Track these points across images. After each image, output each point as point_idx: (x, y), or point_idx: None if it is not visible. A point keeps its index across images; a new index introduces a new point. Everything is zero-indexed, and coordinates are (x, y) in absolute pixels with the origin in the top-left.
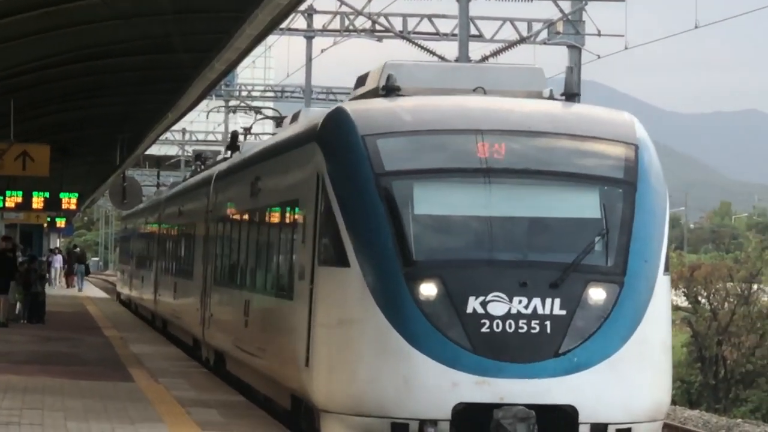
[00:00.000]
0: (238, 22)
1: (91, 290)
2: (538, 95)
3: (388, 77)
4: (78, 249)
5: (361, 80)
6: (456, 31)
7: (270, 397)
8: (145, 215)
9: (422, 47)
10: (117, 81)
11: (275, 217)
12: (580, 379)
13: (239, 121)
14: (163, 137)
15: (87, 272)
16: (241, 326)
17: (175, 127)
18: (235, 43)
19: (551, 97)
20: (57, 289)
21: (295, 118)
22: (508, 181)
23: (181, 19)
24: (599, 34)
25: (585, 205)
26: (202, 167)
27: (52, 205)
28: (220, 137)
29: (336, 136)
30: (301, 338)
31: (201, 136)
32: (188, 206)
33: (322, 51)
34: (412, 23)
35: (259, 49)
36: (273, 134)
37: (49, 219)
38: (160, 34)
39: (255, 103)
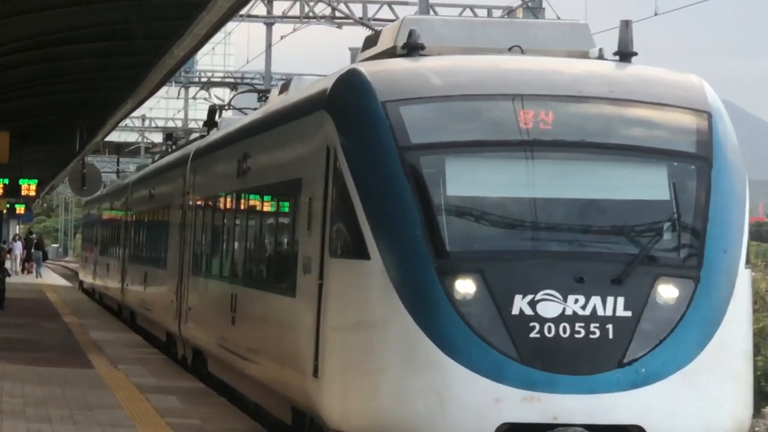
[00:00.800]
0: (198, 9)
1: (50, 277)
2: (584, 55)
3: (410, 33)
4: (33, 235)
5: (371, 40)
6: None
7: (264, 407)
8: (110, 199)
9: None
10: (76, 67)
11: (270, 200)
12: (649, 394)
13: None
14: (122, 124)
15: (45, 258)
16: (227, 323)
17: (134, 114)
18: (195, 29)
19: (601, 57)
20: (17, 276)
21: (285, 88)
22: (558, 155)
23: (140, 5)
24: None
25: (651, 184)
26: (174, 147)
27: (12, 191)
28: (180, 123)
29: (351, 102)
30: (307, 343)
31: (161, 123)
32: (161, 189)
33: (281, 38)
34: (372, 10)
35: (218, 36)
36: (256, 109)
37: (8, 205)
38: (119, 20)
39: (214, 90)
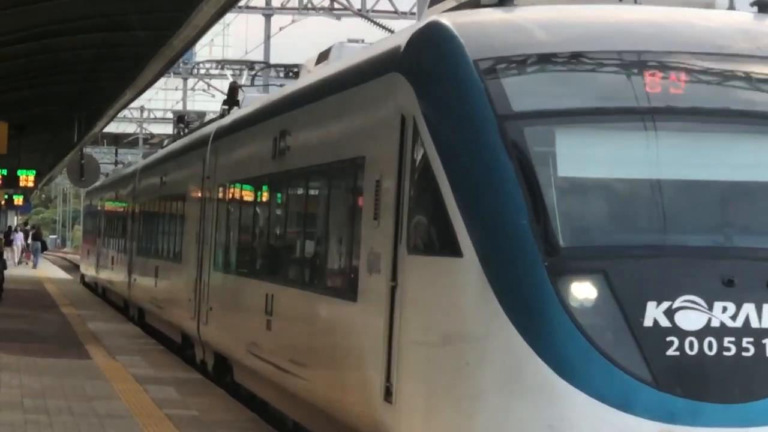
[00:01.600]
0: (196, 0)
1: (49, 268)
2: (709, 5)
3: None
4: (28, 226)
5: None
6: (414, 10)
7: (307, 428)
8: (115, 188)
9: (381, 26)
10: (74, 59)
11: (319, 184)
12: None
13: (197, 99)
14: (121, 115)
15: (44, 249)
16: (261, 328)
17: (133, 105)
18: (194, 20)
19: (731, 8)
20: (22, 267)
21: (324, 57)
22: (697, 126)
23: None
24: None
25: None
26: (186, 130)
27: (10, 182)
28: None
29: (434, 61)
30: (374, 358)
31: (159, 114)
32: (175, 174)
33: (280, 29)
34: (370, 2)
35: (217, 27)
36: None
37: (6, 196)
38: (117, 12)
39: (213, 82)
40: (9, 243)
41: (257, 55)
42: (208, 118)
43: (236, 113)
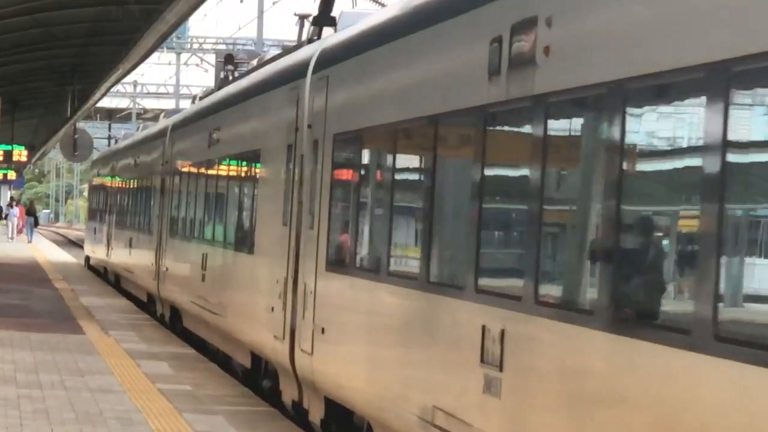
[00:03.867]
0: None
1: (42, 243)
2: None
3: None
4: (14, 201)
5: None
6: None
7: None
8: (133, 153)
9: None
10: (67, 33)
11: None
12: None
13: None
14: (114, 90)
15: (36, 224)
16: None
17: (126, 80)
18: None
19: None
20: (17, 241)
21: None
22: None
23: None
24: None
25: None
26: (235, 73)
27: (3, 157)
28: (171, 90)
29: None
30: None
31: (153, 89)
32: (237, 128)
33: (273, 3)
34: None
35: (210, 2)
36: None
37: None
38: None
39: (206, 57)
40: (4, 218)
41: (251, 30)
42: (270, 54)
43: (342, 34)
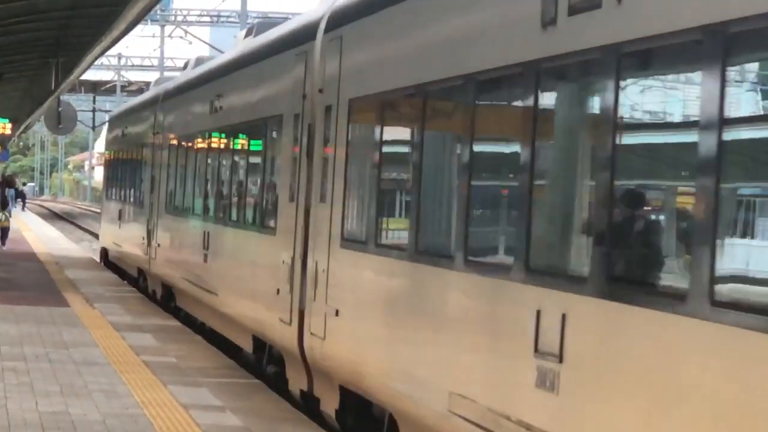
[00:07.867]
0: None
1: (27, 216)
2: None
3: None
4: None
5: None
6: None
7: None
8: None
9: None
10: (49, 5)
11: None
12: None
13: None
14: (98, 62)
15: (20, 197)
16: None
17: (110, 52)
18: None
19: None
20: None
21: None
22: None
23: None
24: None
25: None
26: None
27: None
28: (156, 62)
29: None
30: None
31: (137, 61)
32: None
33: None
34: None
35: None
36: None
37: None
38: None
39: (190, 29)
40: None
41: (235, 2)
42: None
43: None
